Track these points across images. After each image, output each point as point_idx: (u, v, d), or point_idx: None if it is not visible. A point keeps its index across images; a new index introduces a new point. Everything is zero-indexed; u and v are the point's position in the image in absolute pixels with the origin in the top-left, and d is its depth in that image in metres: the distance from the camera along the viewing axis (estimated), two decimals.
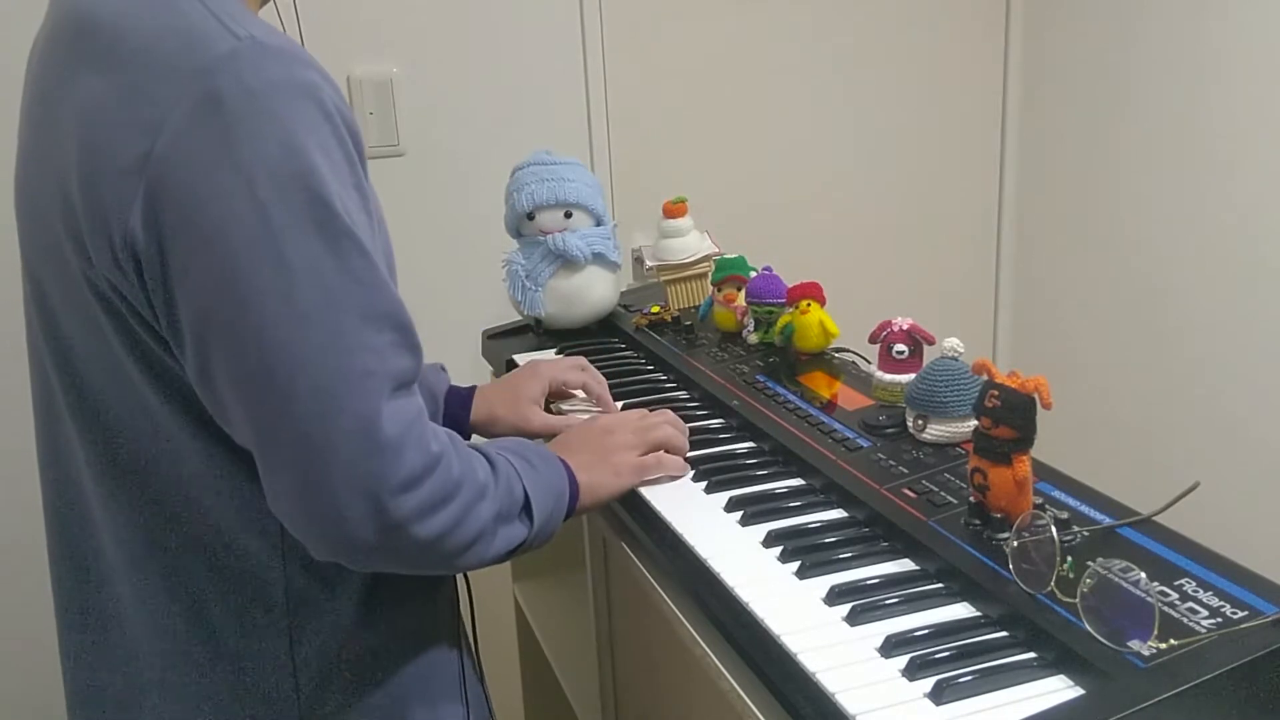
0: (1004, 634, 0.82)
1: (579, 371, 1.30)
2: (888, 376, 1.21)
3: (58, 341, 0.88)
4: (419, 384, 1.22)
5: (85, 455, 0.89)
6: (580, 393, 1.31)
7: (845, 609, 0.86)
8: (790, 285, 1.40)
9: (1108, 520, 0.91)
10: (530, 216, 1.57)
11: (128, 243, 0.77)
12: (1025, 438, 0.90)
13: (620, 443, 1.09)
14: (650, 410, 1.17)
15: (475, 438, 1.25)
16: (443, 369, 1.30)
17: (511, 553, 0.92)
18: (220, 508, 0.86)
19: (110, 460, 0.87)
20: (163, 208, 0.76)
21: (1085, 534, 0.90)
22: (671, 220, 1.63)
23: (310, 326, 0.76)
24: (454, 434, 0.88)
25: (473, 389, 1.28)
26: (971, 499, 0.94)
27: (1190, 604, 0.79)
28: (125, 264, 0.78)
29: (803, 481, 1.10)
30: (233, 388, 0.78)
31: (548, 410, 1.28)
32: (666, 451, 1.12)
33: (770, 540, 0.98)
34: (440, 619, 1.01)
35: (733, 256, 1.50)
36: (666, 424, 1.13)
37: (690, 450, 1.15)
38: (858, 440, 1.12)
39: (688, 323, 1.55)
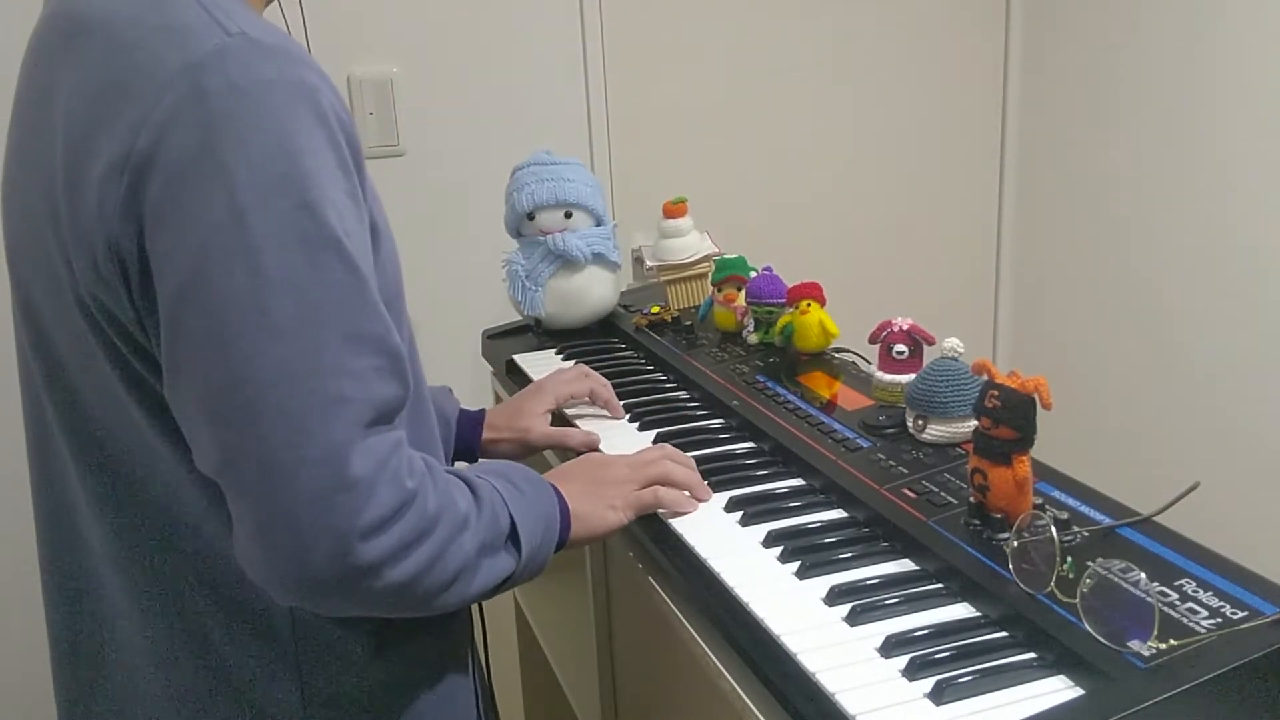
0: (1004, 634, 0.82)
1: (583, 380, 1.29)
2: (888, 376, 1.21)
3: (49, 358, 0.84)
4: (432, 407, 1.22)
5: (80, 478, 0.85)
6: (586, 400, 1.31)
7: (845, 609, 0.86)
8: (790, 285, 1.40)
9: (1108, 520, 0.91)
10: (530, 216, 1.57)
11: (112, 249, 0.74)
12: (1025, 438, 0.90)
13: (616, 475, 1.02)
14: (654, 442, 1.14)
15: (481, 461, 1.25)
16: (450, 392, 1.27)
17: (498, 587, 0.86)
18: (219, 535, 0.81)
19: (106, 484, 0.84)
20: (144, 210, 0.72)
21: (1085, 534, 0.90)
22: (671, 220, 1.63)
23: (284, 342, 0.71)
24: (431, 460, 0.82)
25: (482, 412, 1.26)
26: (971, 499, 0.94)
27: (1190, 604, 0.79)
28: (109, 274, 0.75)
29: (803, 481, 1.10)
30: (199, 404, 0.73)
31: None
32: (668, 486, 1.05)
33: (770, 540, 0.98)
34: (455, 647, 0.97)
35: (733, 256, 1.50)
36: (665, 459, 1.06)
37: (690, 453, 1.14)
38: (858, 440, 1.12)
39: (688, 323, 1.55)
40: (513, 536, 0.87)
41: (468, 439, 1.24)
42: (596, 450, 1.20)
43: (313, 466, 0.71)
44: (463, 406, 1.27)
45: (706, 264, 1.62)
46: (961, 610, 0.86)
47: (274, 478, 0.71)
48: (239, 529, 0.74)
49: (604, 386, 1.29)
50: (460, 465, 1.22)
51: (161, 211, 0.72)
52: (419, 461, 0.79)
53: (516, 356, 1.56)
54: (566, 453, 1.22)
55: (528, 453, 1.25)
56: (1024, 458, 0.90)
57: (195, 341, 0.72)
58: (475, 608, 1.02)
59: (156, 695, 0.87)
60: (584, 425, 1.27)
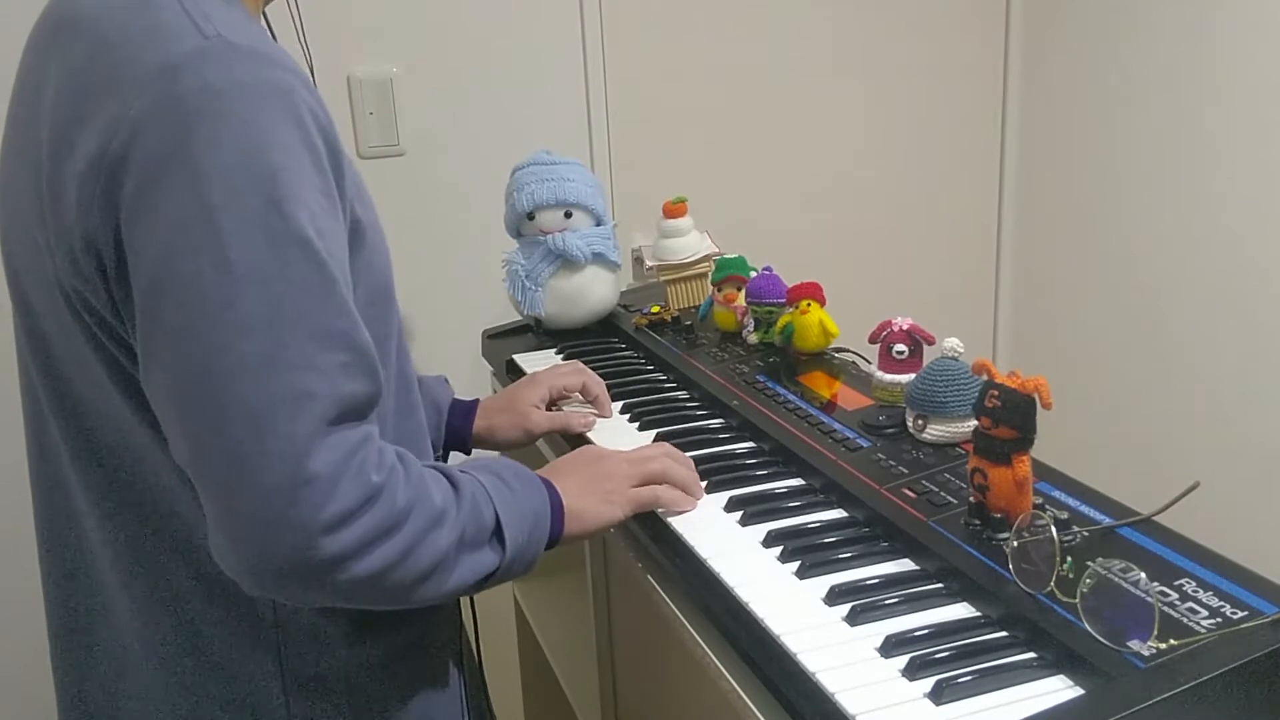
0: (1004, 634, 0.82)
1: (576, 374, 1.30)
2: (888, 376, 1.21)
3: (40, 343, 0.86)
4: (422, 394, 1.23)
5: (72, 461, 0.87)
6: (578, 395, 1.31)
7: (845, 609, 0.86)
8: (790, 285, 1.40)
9: (1108, 520, 0.91)
10: (530, 216, 1.57)
11: (90, 244, 0.75)
12: (1025, 438, 0.90)
13: (614, 470, 1.01)
14: (654, 439, 1.15)
15: (476, 452, 1.25)
16: (445, 381, 1.28)
17: (481, 582, 0.87)
18: (201, 519, 0.80)
19: (95, 467, 0.86)
20: (119, 207, 0.74)
21: (1085, 534, 0.90)
22: (671, 220, 1.63)
23: (249, 337, 0.72)
24: (405, 454, 0.82)
25: (475, 401, 1.26)
26: (971, 499, 0.94)
27: (1190, 604, 0.79)
28: (87, 268, 0.76)
29: (803, 481, 1.10)
30: (169, 397, 0.75)
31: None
32: (666, 485, 1.04)
33: (770, 540, 0.98)
34: (440, 634, 0.98)
35: (733, 256, 1.50)
36: (664, 456, 1.06)
37: (690, 453, 1.14)
38: (858, 440, 1.12)
39: (688, 323, 1.55)
40: (497, 532, 0.87)
41: (459, 427, 1.24)
42: (594, 433, 1.21)
43: (274, 460, 0.72)
44: (456, 396, 1.27)
45: (706, 264, 1.62)
46: (961, 610, 0.86)
47: (237, 471, 0.72)
48: (209, 520, 0.75)
49: (597, 383, 1.30)
50: (454, 455, 1.22)
51: (136, 208, 0.73)
52: (390, 455, 0.80)
53: (516, 356, 1.56)
54: (562, 449, 1.23)
55: (527, 440, 1.26)
56: (1024, 457, 0.90)
57: (165, 335, 0.74)
58: (464, 598, 1.02)
59: (143, 672, 0.89)
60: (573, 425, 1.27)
